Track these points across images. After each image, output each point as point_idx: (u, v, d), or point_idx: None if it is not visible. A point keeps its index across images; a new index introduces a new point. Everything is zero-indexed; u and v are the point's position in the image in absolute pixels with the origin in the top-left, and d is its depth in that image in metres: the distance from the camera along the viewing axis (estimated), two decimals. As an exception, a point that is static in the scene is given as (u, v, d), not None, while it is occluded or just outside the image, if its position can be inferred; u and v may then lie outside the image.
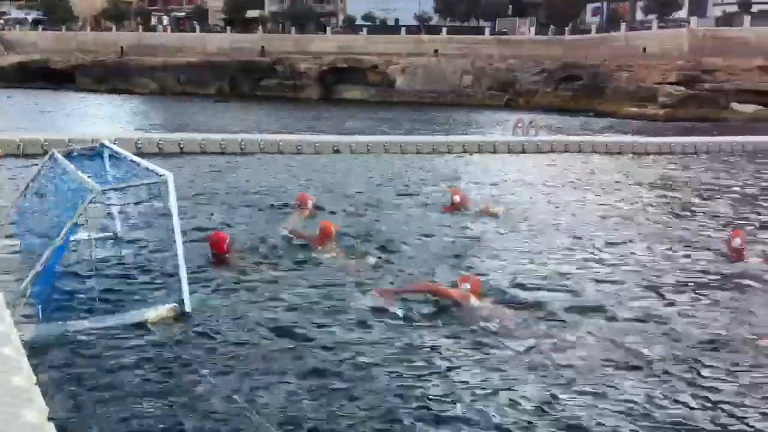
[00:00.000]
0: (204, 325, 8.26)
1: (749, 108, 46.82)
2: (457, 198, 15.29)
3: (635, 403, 6.62)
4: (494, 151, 26.09)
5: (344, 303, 9.08)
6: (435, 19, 75.61)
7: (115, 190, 9.47)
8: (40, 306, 7.89)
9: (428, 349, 7.74)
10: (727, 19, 57.85)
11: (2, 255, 10.04)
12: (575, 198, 17.43)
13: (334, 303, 9.09)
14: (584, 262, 11.33)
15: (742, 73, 48.02)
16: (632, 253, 12.05)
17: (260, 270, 10.34)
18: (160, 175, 8.80)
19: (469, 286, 9.03)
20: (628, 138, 31.09)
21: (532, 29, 69.40)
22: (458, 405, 6.50)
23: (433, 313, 8.76)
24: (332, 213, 14.24)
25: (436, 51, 65.78)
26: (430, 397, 6.65)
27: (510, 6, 77.76)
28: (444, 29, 69.76)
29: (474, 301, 8.92)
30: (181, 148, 22.64)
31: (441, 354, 7.60)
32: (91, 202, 8.42)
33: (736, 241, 11.76)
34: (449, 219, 14.41)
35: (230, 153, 22.98)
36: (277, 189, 17.07)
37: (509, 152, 26.10)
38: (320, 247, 10.94)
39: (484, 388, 6.84)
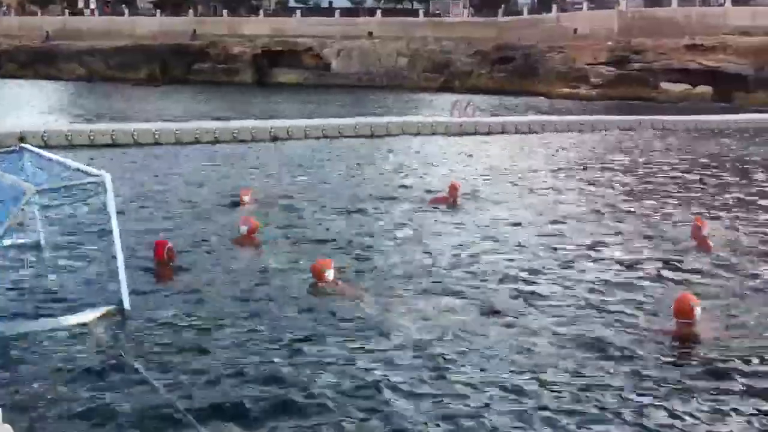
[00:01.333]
0: (142, 323, 8.19)
1: (678, 87, 47.98)
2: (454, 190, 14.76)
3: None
4: (433, 133, 26.24)
5: (280, 295, 9.12)
6: (369, 2, 75.33)
7: (52, 190, 9.19)
8: None
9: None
10: (655, 0, 59.03)
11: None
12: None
13: (270, 295, 9.12)
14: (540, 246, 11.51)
15: (670, 52, 49.11)
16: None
17: (201, 270, 10.19)
18: (97, 176, 8.56)
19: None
20: (561, 117, 31.65)
21: (465, 11, 69.75)
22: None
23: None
24: (292, 211, 13.98)
25: (370, 33, 65.57)
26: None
27: (443, -12, 78.06)
28: (378, 11, 69.58)
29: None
30: (113, 139, 22.12)
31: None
32: (27, 203, 8.17)
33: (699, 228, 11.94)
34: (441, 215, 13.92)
35: (165, 143, 22.54)
36: (217, 181, 16.81)
37: (447, 134, 26.29)
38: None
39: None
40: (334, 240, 11.80)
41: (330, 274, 9.41)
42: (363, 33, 65.84)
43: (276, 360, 7.32)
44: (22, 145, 11.33)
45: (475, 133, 26.53)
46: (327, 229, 12.50)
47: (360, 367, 7.18)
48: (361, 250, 11.23)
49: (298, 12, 72.62)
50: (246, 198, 14.16)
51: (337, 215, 13.63)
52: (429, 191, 15.82)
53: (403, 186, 16.67)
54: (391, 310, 8.66)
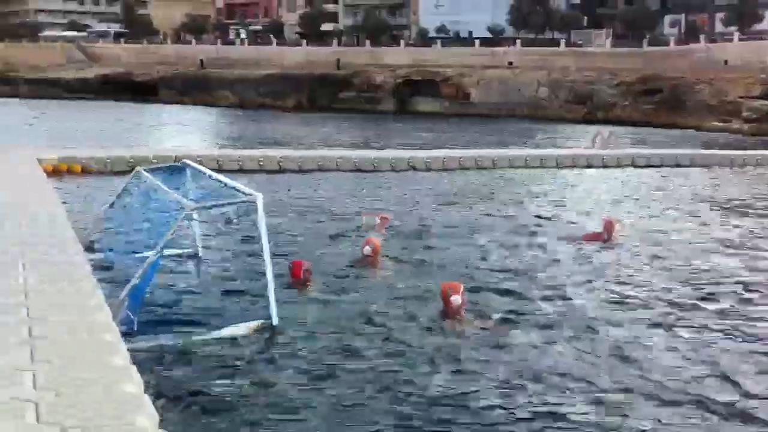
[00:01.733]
0: (291, 338, 8.49)
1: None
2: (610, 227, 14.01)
3: None
4: (573, 165, 25.79)
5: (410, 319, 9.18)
6: (509, 32, 75.17)
7: (207, 208, 9.70)
8: (135, 318, 8.12)
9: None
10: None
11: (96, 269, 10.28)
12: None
13: (399, 317, 9.23)
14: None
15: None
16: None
17: (335, 291, 10.45)
18: (250, 195, 8.99)
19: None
20: (717, 152, 30.37)
21: (608, 41, 68.33)
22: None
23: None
24: (426, 239, 14.09)
25: (510, 63, 65.38)
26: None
27: (585, 18, 76.80)
28: (518, 41, 69.31)
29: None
30: (260, 165, 23.03)
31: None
32: (185, 219, 8.66)
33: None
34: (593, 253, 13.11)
35: (308, 170, 23.24)
36: (353, 207, 17.16)
37: (588, 166, 25.79)
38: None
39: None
40: (469, 271, 11.69)
41: (457, 300, 9.32)
42: (503, 63, 65.73)
43: (417, 382, 7.40)
44: (185, 161, 12.04)
45: (617, 166, 25.87)
46: (465, 264, 12.29)
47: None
48: (503, 285, 11.04)
49: (438, 42, 73.44)
50: (378, 222, 14.41)
51: (475, 247, 13.52)
52: (572, 223, 15.48)
53: (548, 219, 16.28)
54: (529, 347, 8.54)
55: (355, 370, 7.69)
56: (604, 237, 13.89)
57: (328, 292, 10.31)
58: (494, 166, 24.95)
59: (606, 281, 11.34)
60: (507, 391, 7.30)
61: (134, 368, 5.01)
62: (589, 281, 11.30)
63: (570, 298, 10.41)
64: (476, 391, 7.31)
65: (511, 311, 9.72)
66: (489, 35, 74.12)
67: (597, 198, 19.77)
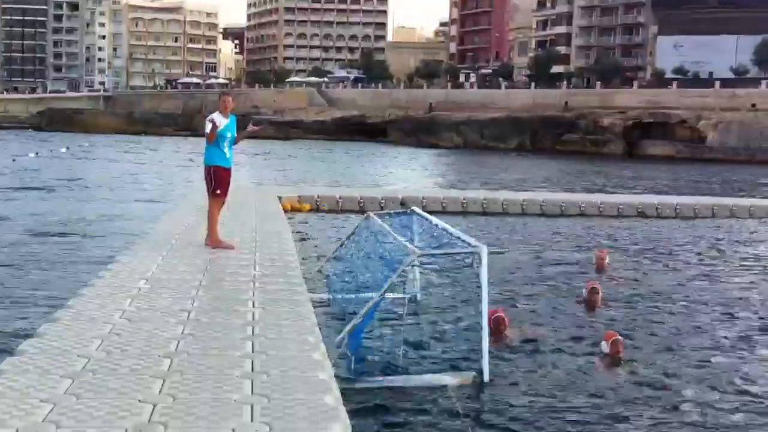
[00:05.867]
0: (500, 395, 8.32)
1: None
2: None
3: None
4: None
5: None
6: (752, 72, 70.55)
7: (433, 255, 9.93)
8: (353, 357, 8.43)
9: None
10: None
11: (317, 306, 10.82)
12: None
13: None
14: None
15: None
16: None
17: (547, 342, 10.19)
18: (475, 246, 9.09)
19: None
20: None
21: None
22: None
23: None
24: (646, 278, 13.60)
25: (753, 105, 61.24)
26: None
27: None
28: (763, 82, 64.80)
29: None
30: (483, 207, 23.19)
31: None
32: (410, 264, 8.92)
33: None
34: None
35: (531, 214, 23.08)
36: (577, 252, 16.78)
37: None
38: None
39: None
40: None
41: (603, 347, 9.40)
42: (745, 105, 61.78)
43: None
44: (413, 209, 12.45)
45: None
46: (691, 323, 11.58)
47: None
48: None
49: (674, 83, 70.41)
50: (604, 260, 14.50)
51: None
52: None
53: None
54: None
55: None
56: None
57: (541, 347, 10.11)
58: (732, 215, 23.41)
59: None
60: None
61: (343, 409, 5.24)
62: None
63: None
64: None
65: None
66: (731, 75, 70.03)
67: None
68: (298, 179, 33.43)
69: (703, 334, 10.69)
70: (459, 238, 9.69)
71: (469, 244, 9.32)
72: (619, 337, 9.51)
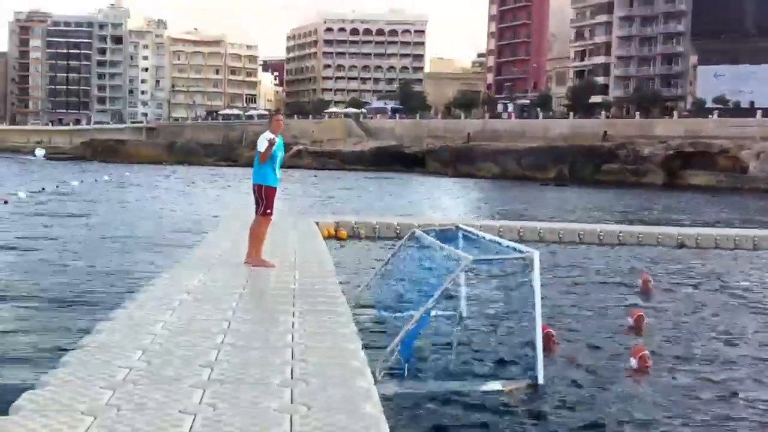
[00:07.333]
0: (554, 400, 8.25)
1: None
2: None
3: None
4: None
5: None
6: (797, 101, 69.73)
7: (487, 261, 9.98)
8: (405, 364, 8.41)
9: None
10: None
11: (363, 324, 10.82)
12: None
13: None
14: None
15: None
16: None
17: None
18: (527, 252, 9.11)
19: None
20: None
21: None
22: None
23: None
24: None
25: (797, 135, 60.49)
26: None
27: None
28: (808, 111, 64.04)
29: None
30: (520, 236, 23.13)
31: None
32: (463, 270, 8.95)
33: None
34: None
35: (568, 242, 22.93)
36: (613, 282, 16.61)
37: None
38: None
39: None
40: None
41: (632, 362, 9.33)
42: (788, 134, 61.00)
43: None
44: (458, 224, 12.48)
45: None
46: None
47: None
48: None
49: (715, 113, 69.72)
50: (647, 282, 14.63)
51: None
52: None
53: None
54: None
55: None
56: None
57: (588, 363, 10.03)
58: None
59: None
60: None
61: (383, 418, 5.26)
62: None
63: None
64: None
65: None
66: (773, 105, 69.23)
67: None
68: (336, 209, 33.63)
69: (746, 367, 10.48)
70: (509, 246, 9.76)
71: (520, 250, 9.38)
72: (646, 352, 9.45)
